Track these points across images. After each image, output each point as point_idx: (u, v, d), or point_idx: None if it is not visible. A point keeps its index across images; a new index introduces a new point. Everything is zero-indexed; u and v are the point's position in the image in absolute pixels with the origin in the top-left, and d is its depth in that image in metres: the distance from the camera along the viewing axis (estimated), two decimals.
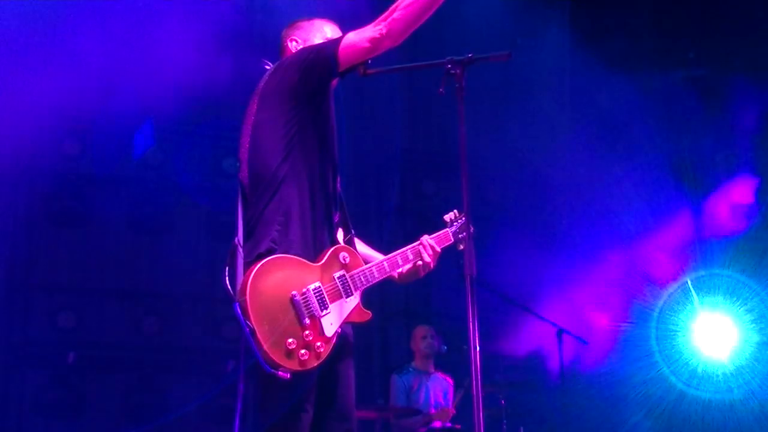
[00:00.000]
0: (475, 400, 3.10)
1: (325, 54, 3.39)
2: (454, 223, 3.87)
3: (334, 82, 3.50)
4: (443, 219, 3.88)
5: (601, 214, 8.55)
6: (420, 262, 3.67)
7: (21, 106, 7.76)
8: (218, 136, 8.58)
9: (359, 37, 3.35)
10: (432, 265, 3.69)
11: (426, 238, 3.71)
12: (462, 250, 3.70)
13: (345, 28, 3.63)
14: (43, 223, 7.85)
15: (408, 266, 3.67)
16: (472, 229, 3.28)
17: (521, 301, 6.78)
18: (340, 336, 3.35)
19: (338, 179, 3.57)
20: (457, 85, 3.29)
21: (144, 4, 7.65)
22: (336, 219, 3.53)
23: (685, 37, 9.13)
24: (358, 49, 3.35)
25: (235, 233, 3.40)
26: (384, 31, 3.31)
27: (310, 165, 3.42)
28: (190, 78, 8.21)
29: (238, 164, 3.60)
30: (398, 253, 3.63)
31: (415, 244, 3.70)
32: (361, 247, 3.70)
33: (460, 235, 3.81)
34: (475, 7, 8.57)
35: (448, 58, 3.33)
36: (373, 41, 3.32)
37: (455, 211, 3.90)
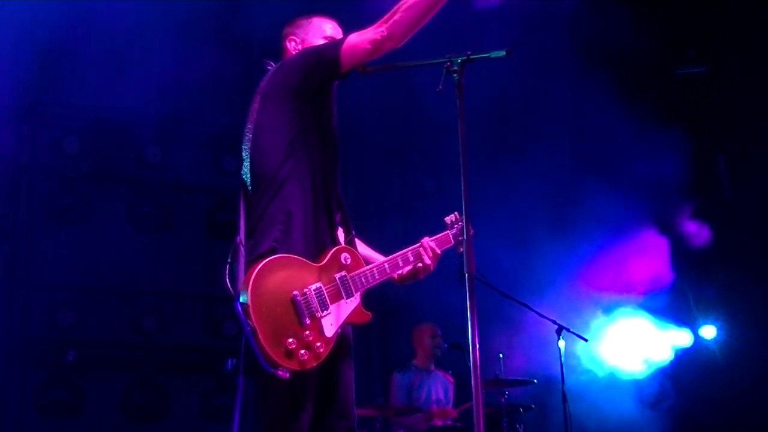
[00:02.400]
0: (475, 399, 3.10)
1: (327, 56, 3.39)
2: (455, 226, 3.84)
3: (336, 82, 3.50)
4: (444, 221, 3.86)
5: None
6: (420, 264, 3.66)
7: (21, 103, 7.77)
8: (218, 134, 8.58)
9: (360, 39, 3.35)
10: (432, 268, 3.68)
11: (427, 240, 3.69)
12: (461, 251, 3.70)
13: (346, 25, 3.63)
14: (43, 222, 7.85)
15: (408, 268, 3.66)
16: (472, 231, 3.27)
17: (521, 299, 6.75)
18: (340, 336, 3.35)
19: (339, 179, 3.57)
20: (456, 83, 3.28)
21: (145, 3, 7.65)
22: (337, 219, 3.53)
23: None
24: (359, 51, 3.35)
25: (236, 232, 3.40)
26: (385, 33, 3.31)
27: (311, 165, 3.43)
28: (190, 76, 8.22)
29: (240, 163, 3.59)
30: (398, 255, 3.62)
31: (415, 245, 3.68)
32: (360, 247, 3.68)
33: (460, 238, 3.78)
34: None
35: (448, 55, 3.32)
36: (375, 43, 3.32)
37: (456, 213, 3.87)
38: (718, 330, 8.94)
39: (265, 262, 3.21)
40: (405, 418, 7.09)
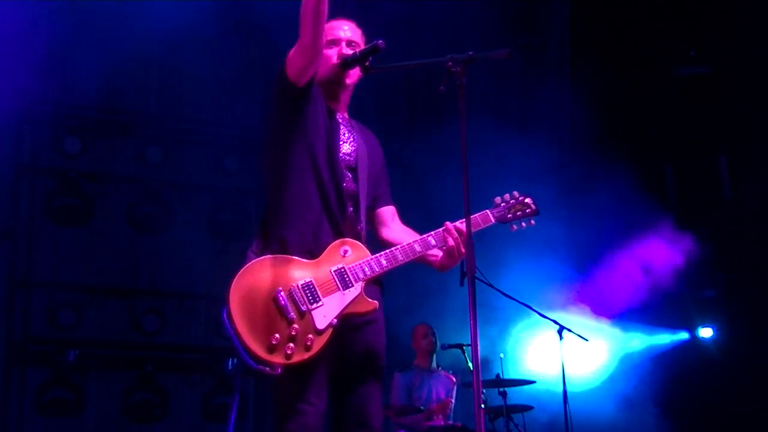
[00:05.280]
0: (475, 398, 3.11)
1: (278, 70, 3.51)
2: (501, 204, 3.72)
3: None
4: (494, 201, 3.73)
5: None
6: (445, 247, 3.54)
7: (21, 103, 7.77)
8: (219, 133, 8.58)
9: (293, 49, 3.46)
10: (461, 249, 3.50)
11: (449, 223, 3.57)
12: (514, 230, 3.68)
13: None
14: (44, 221, 7.85)
15: (434, 253, 3.57)
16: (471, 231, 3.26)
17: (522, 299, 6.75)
18: (366, 347, 3.44)
19: (348, 176, 3.57)
20: (457, 83, 3.28)
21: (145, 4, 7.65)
22: (347, 214, 3.54)
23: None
24: (292, 60, 3.44)
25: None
26: (299, 41, 3.40)
27: (306, 166, 3.49)
28: (191, 76, 8.22)
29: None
30: (417, 241, 3.55)
31: (438, 230, 3.58)
32: (398, 231, 3.68)
33: (509, 215, 3.69)
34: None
35: (449, 55, 3.32)
36: (297, 50, 3.41)
37: (510, 194, 3.74)
38: (717, 331, 8.94)
39: (247, 265, 3.34)
40: (406, 418, 7.09)
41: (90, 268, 7.98)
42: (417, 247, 3.54)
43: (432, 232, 3.57)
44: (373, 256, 3.48)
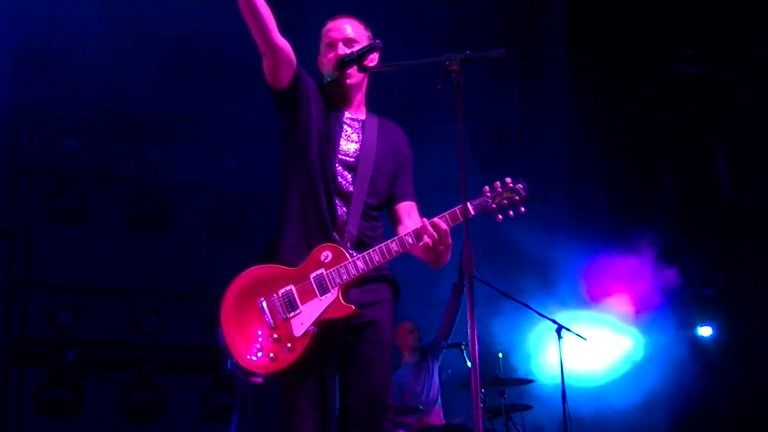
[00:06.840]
0: (473, 397, 3.10)
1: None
2: (487, 194, 3.48)
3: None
4: (482, 190, 3.51)
5: None
6: (428, 242, 3.39)
7: (19, 103, 7.77)
8: (218, 133, 8.58)
9: None
10: (438, 246, 3.40)
11: (425, 220, 3.45)
12: (500, 221, 3.46)
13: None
14: (42, 222, 7.85)
15: (414, 249, 3.45)
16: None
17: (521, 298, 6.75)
18: (360, 346, 3.47)
19: (345, 176, 3.55)
20: (455, 83, 3.28)
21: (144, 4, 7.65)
22: (337, 216, 3.52)
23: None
24: (264, 67, 3.48)
25: None
26: None
27: (300, 170, 3.52)
28: (190, 75, 8.22)
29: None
30: (395, 240, 3.47)
31: (417, 227, 3.47)
32: (409, 230, 3.50)
33: (492, 205, 3.45)
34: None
35: (446, 55, 3.32)
36: (262, 54, 3.44)
37: (499, 181, 3.49)
38: (717, 330, 8.92)
39: (237, 277, 3.48)
40: (404, 418, 7.07)
41: (88, 268, 7.97)
42: (394, 247, 3.45)
43: (411, 230, 3.47)
44: (348, 260, 3.43)
